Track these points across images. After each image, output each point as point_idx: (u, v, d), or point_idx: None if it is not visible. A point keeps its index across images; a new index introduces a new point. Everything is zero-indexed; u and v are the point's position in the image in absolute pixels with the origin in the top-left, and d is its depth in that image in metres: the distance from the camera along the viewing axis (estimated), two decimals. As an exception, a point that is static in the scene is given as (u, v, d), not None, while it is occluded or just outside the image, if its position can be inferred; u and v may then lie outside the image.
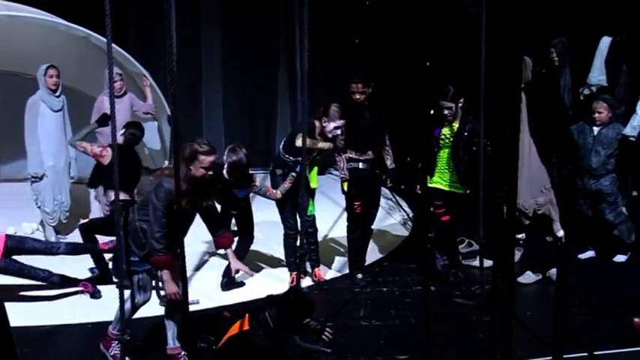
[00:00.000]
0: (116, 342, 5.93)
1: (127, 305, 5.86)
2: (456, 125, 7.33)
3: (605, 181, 8.07)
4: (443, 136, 7.37)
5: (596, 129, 8.06)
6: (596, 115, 8.03)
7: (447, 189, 7.46)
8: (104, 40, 4.86)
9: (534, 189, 8.03)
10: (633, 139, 8.07)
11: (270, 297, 5.76)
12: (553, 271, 7.49)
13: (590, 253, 8.35)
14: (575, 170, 8.27)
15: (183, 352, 5.93)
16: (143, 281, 5.83)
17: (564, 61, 8.92)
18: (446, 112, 7.29)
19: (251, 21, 12.08)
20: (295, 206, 7.16)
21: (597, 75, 9.31)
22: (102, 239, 7.60)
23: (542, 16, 7.65)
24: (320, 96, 11.56)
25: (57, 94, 8.49)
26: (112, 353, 5.98)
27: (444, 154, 7.42)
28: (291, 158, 7.42)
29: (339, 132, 7.50)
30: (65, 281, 7.32)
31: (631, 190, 9.60)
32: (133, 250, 5.69)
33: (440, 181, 7.49)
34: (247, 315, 5.60)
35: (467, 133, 7.26)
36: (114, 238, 7.17)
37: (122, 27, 10.85)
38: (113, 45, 4.92)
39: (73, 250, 7.42)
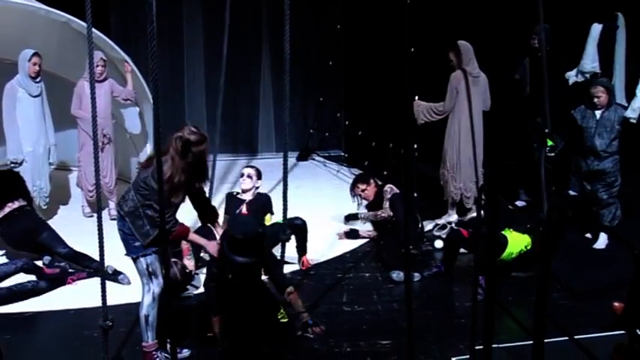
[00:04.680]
0: (159, 351, 5.76)
1: (149, 299, 5.66)
2: None
3: (607, 162, 8.15)
4: None
5: (598, 113, 8.15)
6: (596, 99, 8.13)
7: None
8: (85, 25, 4.83)
9: (472, 172, 8.53)
10: (634, 121, 8.19)
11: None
12: None
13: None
14: (579, 153, 8.38)
15: (158, 351, 5.77)
16: (152, 265, 5.62)
17: (547, 47, 8.92)
18: None
19: (234, 7, 12.01)
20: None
21: (590, 62, 9.32)
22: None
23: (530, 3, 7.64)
24: (302, 82, 11.62)
25: (36, 79, 8.45)
26: None
27: None
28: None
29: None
30: (53, 282, 7.33)
31: None
32: (136, 238, 5.58)
33: None
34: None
35: None
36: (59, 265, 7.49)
37: (103, 12, 10.76)
38: (94, 30, 4.89)
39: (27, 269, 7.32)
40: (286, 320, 6.31)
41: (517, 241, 7.35)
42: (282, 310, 6.31)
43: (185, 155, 5.42)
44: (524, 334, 4.83)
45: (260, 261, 6.03)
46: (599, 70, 9.29)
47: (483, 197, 5.12)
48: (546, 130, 7.16)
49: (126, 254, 5.79)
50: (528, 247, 7.35)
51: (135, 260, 5.67)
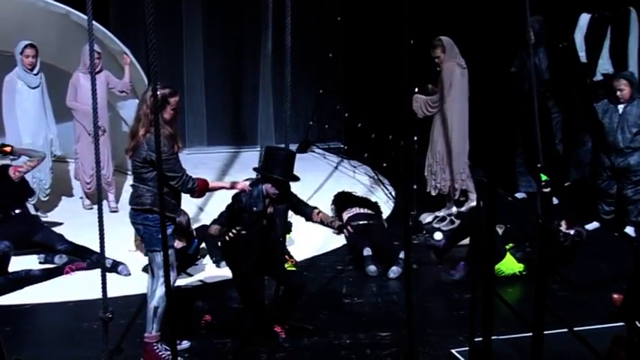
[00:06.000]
0: (159, 343, 5.72)
1: (162, 291, 5.59)
2: None
3: (632, 159, 8.09)
4: None
5: (620, 107, 8.09)
6: (619, 92, 8.07)
7: None
8: (85, 17, 4.83)
9: (460, 164, 8.54)
10: None
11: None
12: None
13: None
14: (601, 149, 8.33)
15: (159, 343, 5.73)
16: (170, 258, 5.36)
17: (540, 40, 8.92)
18: None
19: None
20: None
21: (577, 52, 9.33)
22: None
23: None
24: (302, 74, 11.60)
25: (34, 72, 8.43)
26: (162, 355, 5.70)
27: None
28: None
29: None
30: (49, 271, 7.36)
31: None
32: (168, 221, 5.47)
33: None
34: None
35: None
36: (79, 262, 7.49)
37: (103, 4, 10.74)
38: (94, 22, 4.88)
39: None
40: (294, 269, 6.92)
41: (512, 264, 7.32)
42: (288, 262, 6.92)
43: (163, 107, 5.45)
44: (524, 326, 4.84)
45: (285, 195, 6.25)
46: (585, 59, 9.31)
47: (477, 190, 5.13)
48: (539, 165, 7.16)
49: (147, 247, 5.76)
50: (523, 273, 7.30)
51: (154, 253, 5.62)
